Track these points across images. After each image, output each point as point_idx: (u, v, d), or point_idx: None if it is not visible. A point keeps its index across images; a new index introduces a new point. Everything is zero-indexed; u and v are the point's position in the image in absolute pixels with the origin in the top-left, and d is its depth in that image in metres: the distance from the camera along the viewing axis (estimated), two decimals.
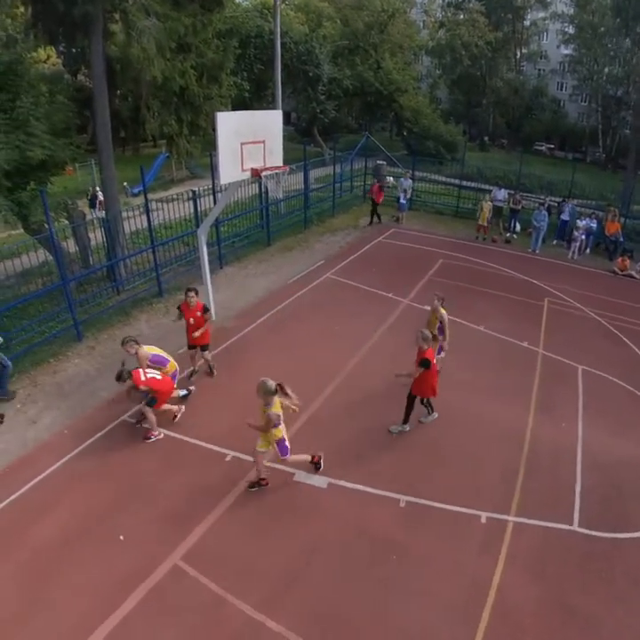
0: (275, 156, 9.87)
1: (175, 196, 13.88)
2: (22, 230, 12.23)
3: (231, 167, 9.00)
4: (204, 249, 10.61)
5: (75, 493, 6.68)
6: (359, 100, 38.78)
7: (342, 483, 6.79)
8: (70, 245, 12.73)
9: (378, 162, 23.00)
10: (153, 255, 12.16)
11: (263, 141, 9.46)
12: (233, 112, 9.62)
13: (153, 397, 7.39)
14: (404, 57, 41.97)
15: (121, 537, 5.97)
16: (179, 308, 8.62)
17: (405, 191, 18.64)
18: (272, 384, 5.84)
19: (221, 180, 9.04)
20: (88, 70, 17.36)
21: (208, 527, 6.09)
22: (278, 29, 17.71)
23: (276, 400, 5.96)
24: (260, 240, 15.94)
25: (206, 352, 8.93)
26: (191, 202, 13.23)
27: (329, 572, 5.63)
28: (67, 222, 12.57)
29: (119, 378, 7.15)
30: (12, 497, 6.66)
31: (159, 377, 7.44)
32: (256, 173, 9.44)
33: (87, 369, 9.38)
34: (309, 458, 6.66)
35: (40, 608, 5.22)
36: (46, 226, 10.70)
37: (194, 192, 13.26)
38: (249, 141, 9.16)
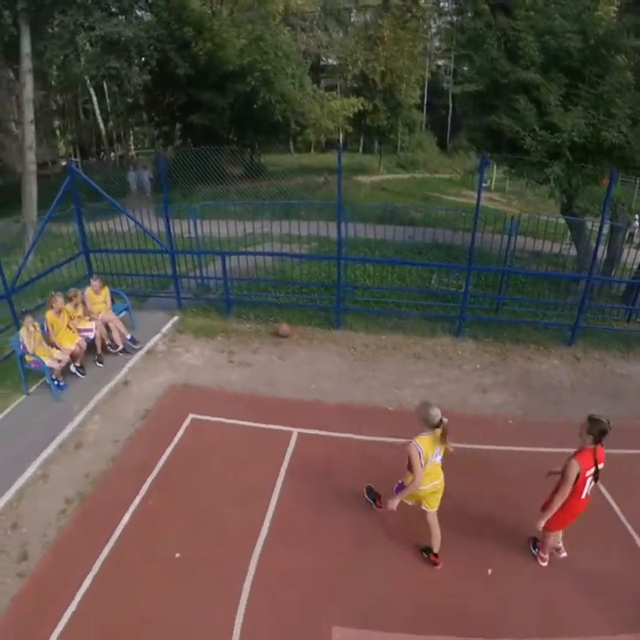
0: None
1: None
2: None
3: None
4: None
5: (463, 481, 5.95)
6: None
7: None
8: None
9: None
10: None
11: None
12: None
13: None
14: None
15: (489, 571, 5.04)
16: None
17: None
18: (435, 415, 4.59)
19: None
20: None
21: None
22: None
23: (429, 436, 4.66)
24: None
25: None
26: None
27: None
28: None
29: None
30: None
31: None
32: None
33: (561, 376, 8.67)
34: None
35: None
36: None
37: None
38: None
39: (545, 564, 5.01)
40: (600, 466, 4.44)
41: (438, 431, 4.63)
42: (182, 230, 10.85)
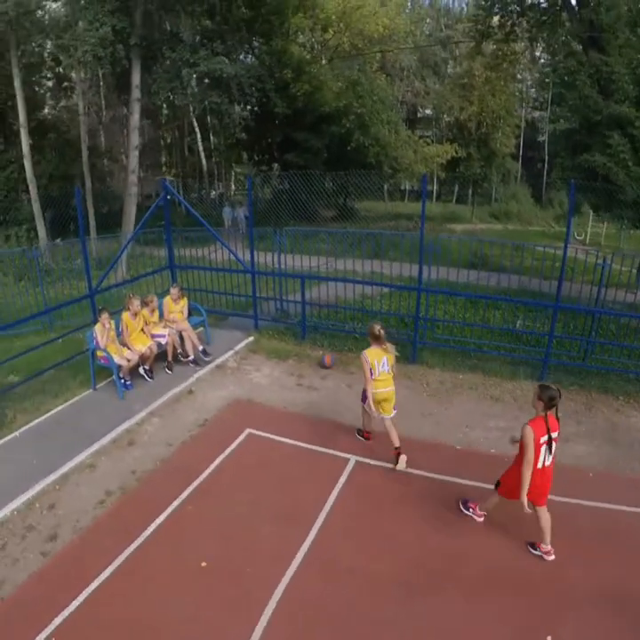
0: None
1: None
2: None
3: None
4: None
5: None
6: None
7: None
8: None
9: None
10: None
11: None
12: None
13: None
14: None
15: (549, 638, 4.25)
16: None
17: None
18: (376, 327, 6.06)
19: None
20: None
21: None
22: None
23: (377, 348, 6.07)
24: None
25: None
26: None
27: None
28: None
29: None
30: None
31: None
32: None
33: None
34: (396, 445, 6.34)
35: None
36: None
37: None
38: None
39: (481, 519, 5.34)
40: (553, 434, 4.62)
41: (381, 343, 5.99)
42: (266, 261, 11.08)
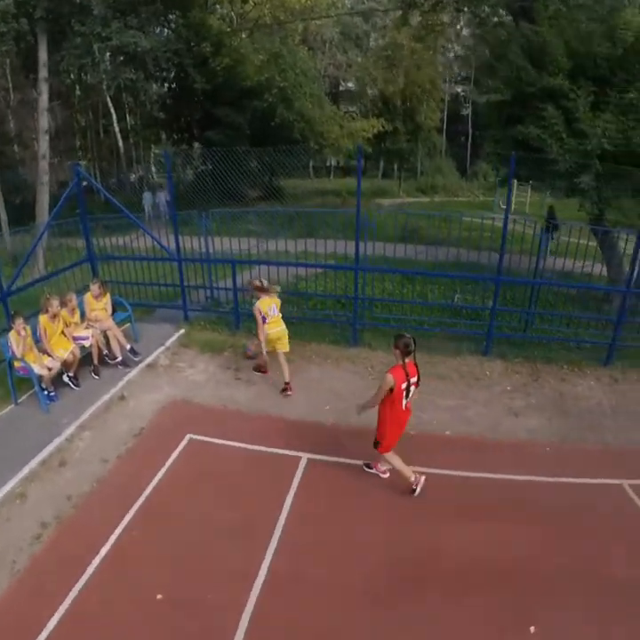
0: None
1: None
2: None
3: None
4: None
5: None
6: None
7: None
8: None
9: None
10: None
11: None
12: None
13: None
14: None
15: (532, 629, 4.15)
16: None
17: None
18: (258, 280, 7.64)
19: None
20: None
21: None
22: None
23: (265, 298, 7.45)
24: None
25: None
26: None
27: None
28: None
29: None
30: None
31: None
32: None
33: (599, 399, 7.99)
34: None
35: None
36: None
37: None
38: None
39: (387, 475, 5.78)
40: (412, 380, 5.19)
41: (267, 293, 7.46)
42: (193, 246, 10.45)
